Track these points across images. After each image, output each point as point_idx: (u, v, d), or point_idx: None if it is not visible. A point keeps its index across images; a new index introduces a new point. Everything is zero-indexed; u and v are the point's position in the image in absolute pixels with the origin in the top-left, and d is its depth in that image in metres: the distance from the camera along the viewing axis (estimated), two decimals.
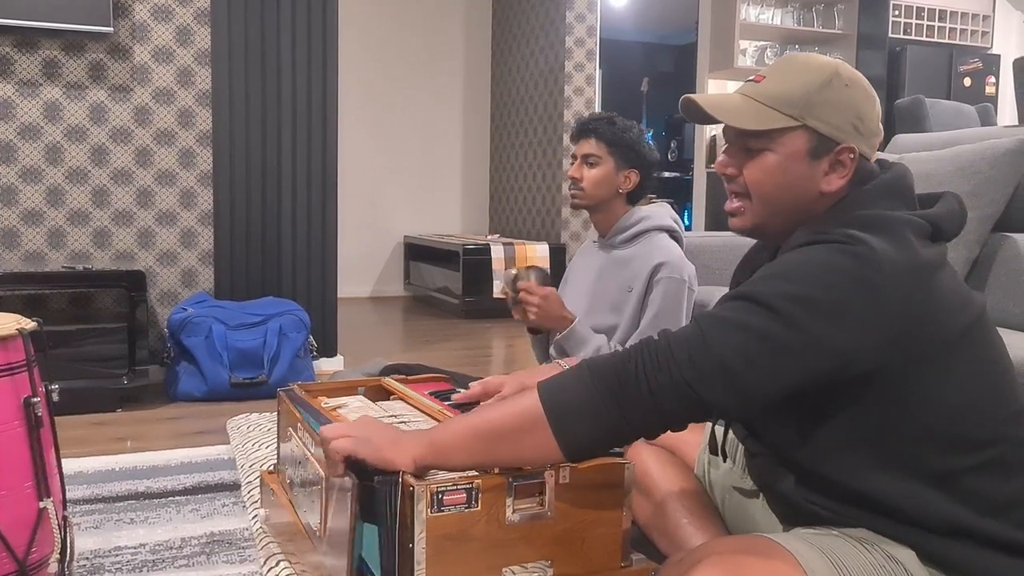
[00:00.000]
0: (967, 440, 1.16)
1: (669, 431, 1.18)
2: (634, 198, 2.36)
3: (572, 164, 2.36)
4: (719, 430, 1.45)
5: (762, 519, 1.40)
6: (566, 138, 5.80)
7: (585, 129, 2.33)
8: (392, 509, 1.22)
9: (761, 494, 1.40)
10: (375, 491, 1.22)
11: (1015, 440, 1.18)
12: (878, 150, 1.31)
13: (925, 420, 1.15)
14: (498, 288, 5.68)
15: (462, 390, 1.74)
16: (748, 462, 1.42)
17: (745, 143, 1.26)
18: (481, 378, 1.68)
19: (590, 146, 2.31)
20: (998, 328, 1.35)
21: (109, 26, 3.40)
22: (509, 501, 1.25)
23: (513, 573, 1.27)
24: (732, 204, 1.31)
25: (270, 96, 3.72)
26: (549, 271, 2.37)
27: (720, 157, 1.32)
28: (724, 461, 1.50)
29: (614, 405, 1.14)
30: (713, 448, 1.47)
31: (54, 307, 3.50)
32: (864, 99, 1.25)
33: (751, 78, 1.30)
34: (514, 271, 2.32)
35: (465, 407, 1.60)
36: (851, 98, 1.24)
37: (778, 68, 1.28)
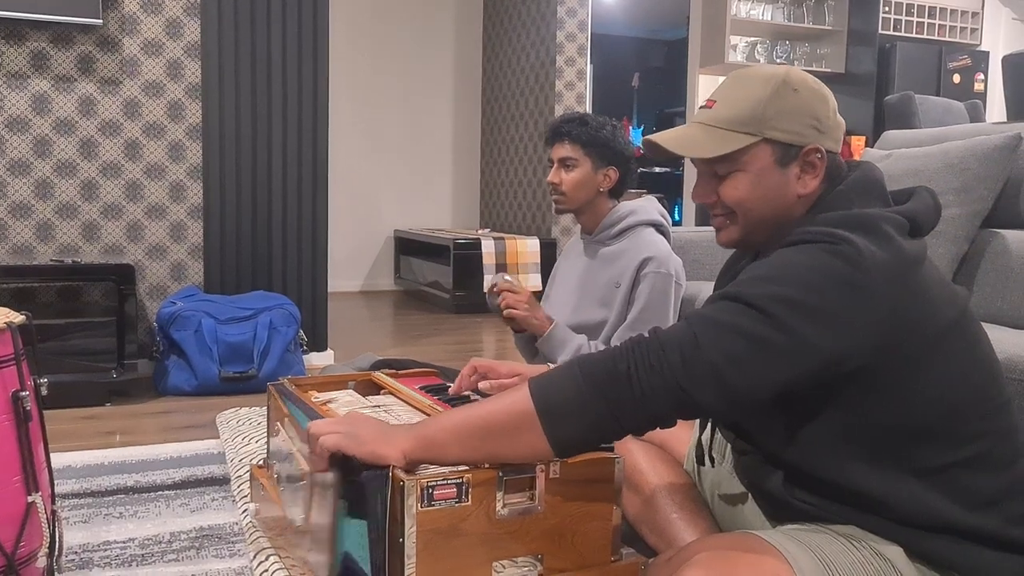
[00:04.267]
0: (954, 435, 1.16)
1: (658, 429, 1.19)
2: (616, 193, 2.36)
3: (550, 169, 2.35)
4: (705, 437, 1.46)
5: (751, 515, 1.40)
6: None
7: (558, 132, 2.31)
8: (382, 503, 1.22)
9: (750, 496, 1.40)
10: (363, 486, 1.22)
11: (1000, 433, 1.19)
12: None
13: (912, 415, 1.15)
14: (488, 283, 5.68)
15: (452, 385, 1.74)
16: (736, 460, 1.43)
17: (714, 169, 1.29)
18: None
19: (565, 149, 2.29)
20: (986, 324, 1.36)
21: (98, 18, 3.38)
22: (499, 496, 1.25)
23: (503, 567, 1.27)
24: (717, 221, 1.34)
25: (260, 90, 3.71)
26: (539, 265, 2.39)
27: (695, 187, 1.34)
28: (712, 467, 1.51)
29: (604, 405, 1.14)
30: (700, 458, 1.47)
31: (42, 301, 3.48)
32: (815, 99, 1.27)
33: (703, 104, 1.32)
34: (494, 283, 2.33)
35: (459, 401, 1.61)
36: (802, 102, 1.25)
37: (727, 89, 1.30)
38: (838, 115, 1.30)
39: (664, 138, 1.33)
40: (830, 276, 1.11)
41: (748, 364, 1.11)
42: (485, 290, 2.36)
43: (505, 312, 2.28)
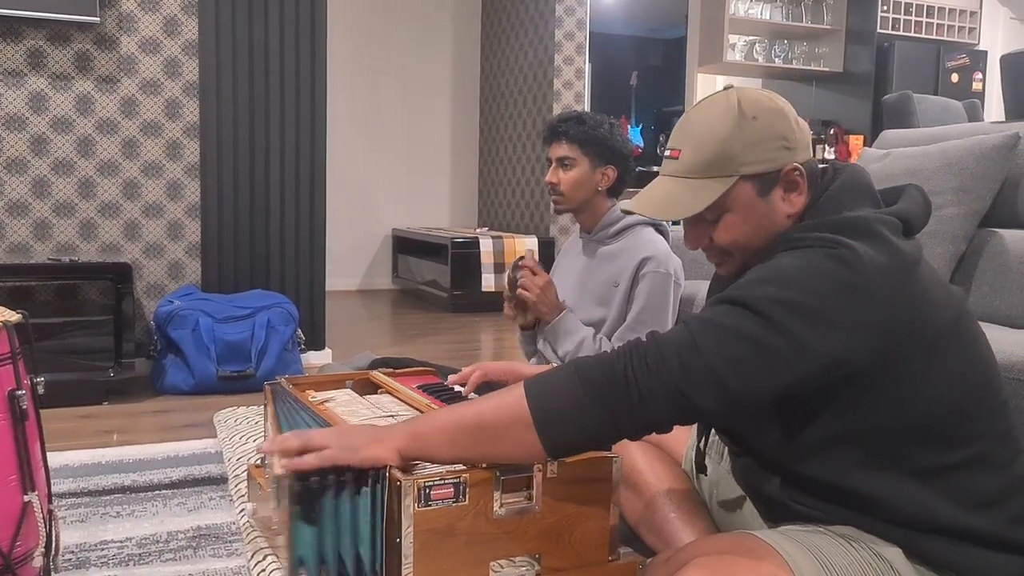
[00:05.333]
0: (953, 436, 1.16)
1: (654, 433, 1.18)
2: (615, 192, 2.35)
3: (549, 168, 2.34)
4: (702, 445, 1.46)
5: (749, 516, 1.40)
6: None
7: (555, 132, 2.30)
8: (366, 505, 1.21)
9: (747, 499, 1.40)
10: (312, 491, 1.21)
11: (998, 434, 1.19)
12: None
13: (911, 417, 1.15)
14: (487, 282, 5.68)
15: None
16: (733, 463, 1.43)
17: (700, 216, 1.27)
18: None
19: (562, 149, 2.28)
20: (984, 323, 1.36)
21: (95, 16, 3.37)
22: (497, 495, 1.25)
23: (501, 567, 1.27)
24: (715, 260, 1.33)
25: (258, 88, 3.70)
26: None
27: (685, 235, 1.33)
28: (706, 475, 1.51)
29: (602, 409, 1.14)
30: (700, 466, 1.47)
31: (40, 299, 3.48)
32: (775, 119, 1.25)
33: (667, 154, 1.30)
34: (522, 257, 2.32)
35: (453, 398, 1.60)
36: (764, 128, 1.24)
37: (686, 134, 1.28)
38: (800, 121, 1.28)
39: (643, 204, 1.31)
40: (829, 279, 1.11)
41: (747, 368, 1.10)
42: (486, 287, 2.35)
43: (518, 292, 2.26)
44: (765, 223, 1.26)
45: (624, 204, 1.34)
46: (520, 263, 2.28)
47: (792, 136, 1.25)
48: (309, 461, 1.21)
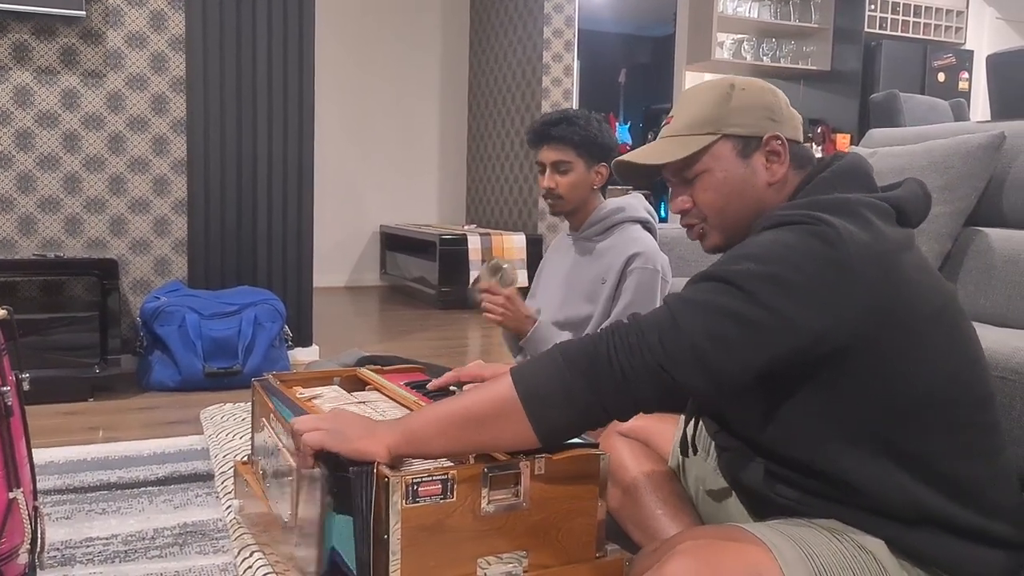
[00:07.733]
0: (937, 423, 1.17)
1: (642, 413, 1.19)
2: (603, 189, 2.35)
3: (541, 174, 2.29)
4: (690, 429, 1.47)
5: (735, 511, 1.41)
6: None
7: (546, 136, 2.26)
8: (367, 500, 1.21)
9: (733, 493, 1.41)
10: (349, 482, 1.22)
11: (983, 426, 1.20)
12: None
13: (895, 400, 1.15)
14: (475, 279, 5.68)
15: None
16: (718, 457, 1.44)
17: (683, 176, 1.35)
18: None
19: (556, 153, 2.25)
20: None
21: (81, 10, 3.35)
22: (484, 492, 1.25)
23: (488, 564, 1.27)
24: (695, 231, 1.38)
25: (245, 83, 3.69)
26: (514, 266, 2.34)
27: (670, 198, 1.41)
28: (695, 454, 1.51)
29: (587, 389, 1.15)
30: (684, 449, 1.48)
31: (25, 295, 3.46)
32: (764, 94, 1.34)
33: (664, 122, 1.42)
34: (478, 278, 2.29)
35: (439, 395, 1.60)
36: (752, 98, 1.33)
37: (682, 102, 1.40)
38: (792, 109, 1.36)
39: (633, 155, 1.39)
40: (810, 255, 1.11)
41: (728, 342, 1.11)
42: (471, 284, 2.33)
43: (485, 316, 2.26)
44: (743, 187, 1.31)
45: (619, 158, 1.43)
46: (478, 287, 2.25)
47: (778, 111, 1.33)
48: (312, 439, 1.23)
